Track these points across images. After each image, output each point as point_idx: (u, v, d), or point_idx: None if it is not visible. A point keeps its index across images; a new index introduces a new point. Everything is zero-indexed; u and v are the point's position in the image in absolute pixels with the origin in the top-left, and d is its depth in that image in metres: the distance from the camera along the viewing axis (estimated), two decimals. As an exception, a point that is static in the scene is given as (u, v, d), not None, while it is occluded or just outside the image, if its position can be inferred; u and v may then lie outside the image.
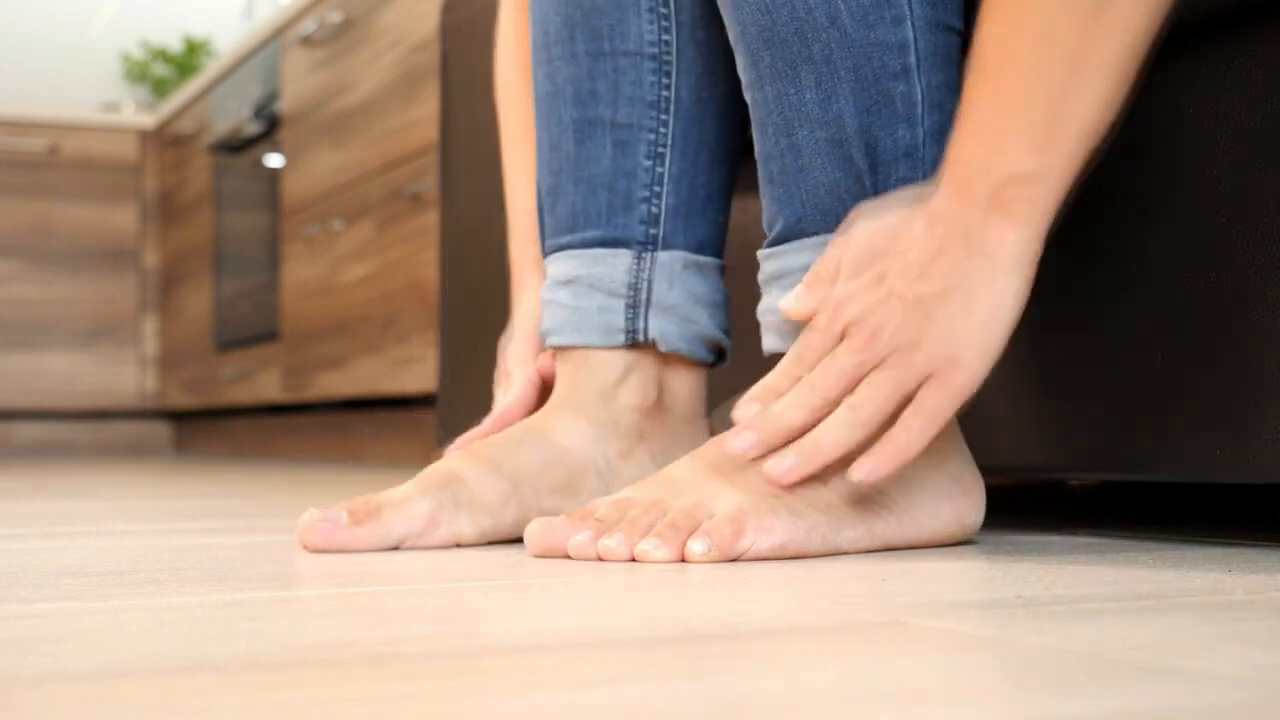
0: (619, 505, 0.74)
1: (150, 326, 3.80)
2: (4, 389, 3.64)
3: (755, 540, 0.71)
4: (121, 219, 3.78)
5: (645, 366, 0.87)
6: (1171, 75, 0.79)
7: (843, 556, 0.73)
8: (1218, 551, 0.75)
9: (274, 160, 3.06)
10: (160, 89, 4.29)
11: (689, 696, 0.36)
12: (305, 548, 0.77)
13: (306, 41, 2.82)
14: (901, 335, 0.70)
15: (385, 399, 2.56)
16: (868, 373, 0.71)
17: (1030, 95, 0.68)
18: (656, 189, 0.87)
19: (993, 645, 0.44)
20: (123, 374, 3.76)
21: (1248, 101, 0.75)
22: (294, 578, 0.66)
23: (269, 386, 3.05)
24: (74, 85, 4.27)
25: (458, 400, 1.57)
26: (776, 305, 0.78)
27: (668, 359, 0.88)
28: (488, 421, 0.91)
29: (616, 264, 0.87)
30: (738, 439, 0.73)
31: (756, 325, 0.83)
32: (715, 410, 0.92)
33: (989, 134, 0.69)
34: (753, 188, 0.97)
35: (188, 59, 4.31)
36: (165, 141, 3.80)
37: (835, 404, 0.72)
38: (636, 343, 0.87)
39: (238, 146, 3.30)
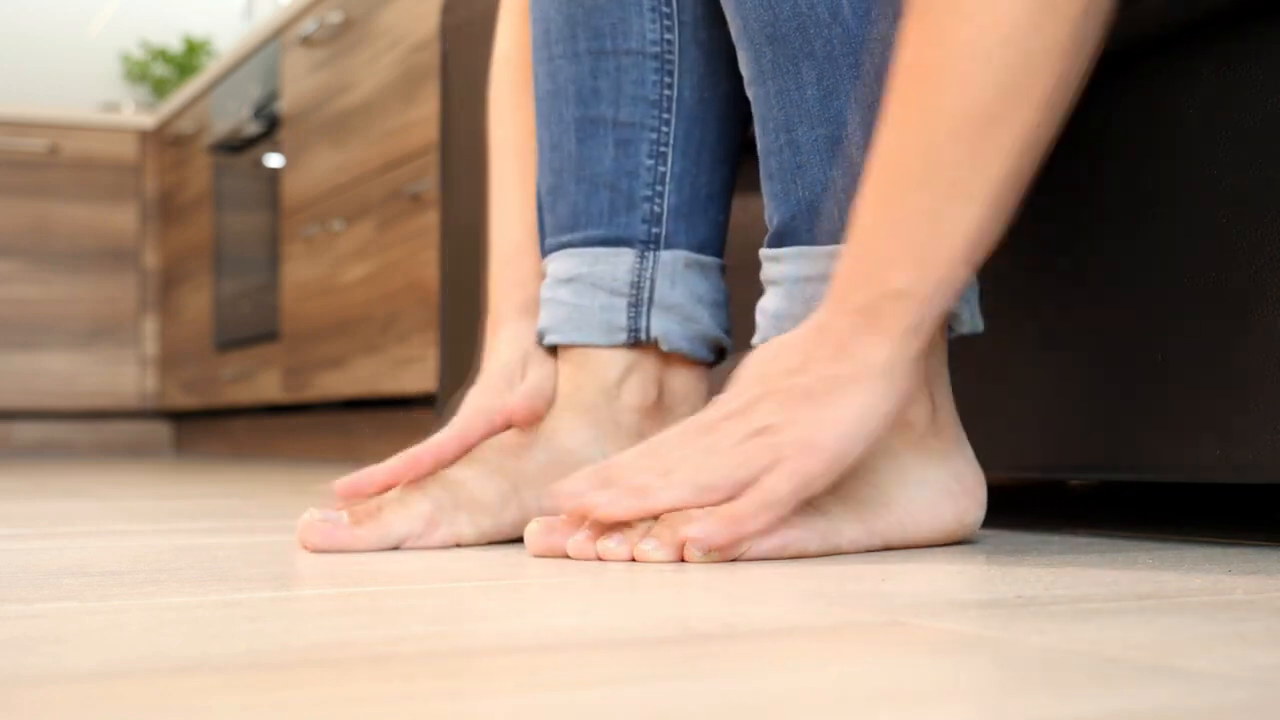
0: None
1: (150, 326, 3.80)
2: (4, 389, 3.64)
3: (755, 541, 0.70)
4: (121, 219, 3.78)
5: (646, 366, 0.87)
6: (1171, 75, 0.79)
7: (843, 556, 0.73)
8: (1218, 551, 0.75)
9: (274, 160, 3.06)
10: (160, 89, 4.29)
11: (689, 696, 0.36)
12: (305, 548, 0.77)
13: (306, 41, 2.82)
14: (767, 420, 0.70)
15: (385, 399, 2.56)
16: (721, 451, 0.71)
17: (911, 217, 0.69)
18: (659, 188, 0.87)
19: (993, 645, 0.44)
20: (123, 374, 3.76)
21: (1248, 101, 0.75)
22: (294, 578, 0.66)
23: (269, 386, 3.05)
24: (74, 85, 4.27)
25: (458, 400, 1.57)
26: (765, 307, 0.79)
27: (668, 359, 0.88)
28: (395, 460, 0.83)
29: (619, 263, 0.87)
30: (569, 482, 0.71)
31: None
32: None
33: (869, 250, 0.70)
34: (753, 187, 0.97)
35: (188, 59, 4.31)
36: (165, 141, 3.80)
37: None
38: (638, 342, 0.87)
39: (238, 146, 3.30)
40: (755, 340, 0.80)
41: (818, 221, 0.76)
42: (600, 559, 0.71)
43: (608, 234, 0.87)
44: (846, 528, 0.73)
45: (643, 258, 0.87)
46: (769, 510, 0.69)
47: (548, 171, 0.89)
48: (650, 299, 0.87)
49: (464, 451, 0.83)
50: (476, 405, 0.85)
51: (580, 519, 0.74)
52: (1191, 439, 0.77)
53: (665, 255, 0.87)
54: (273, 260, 3.05)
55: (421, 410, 2.44)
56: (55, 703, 0.36)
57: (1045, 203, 0.86)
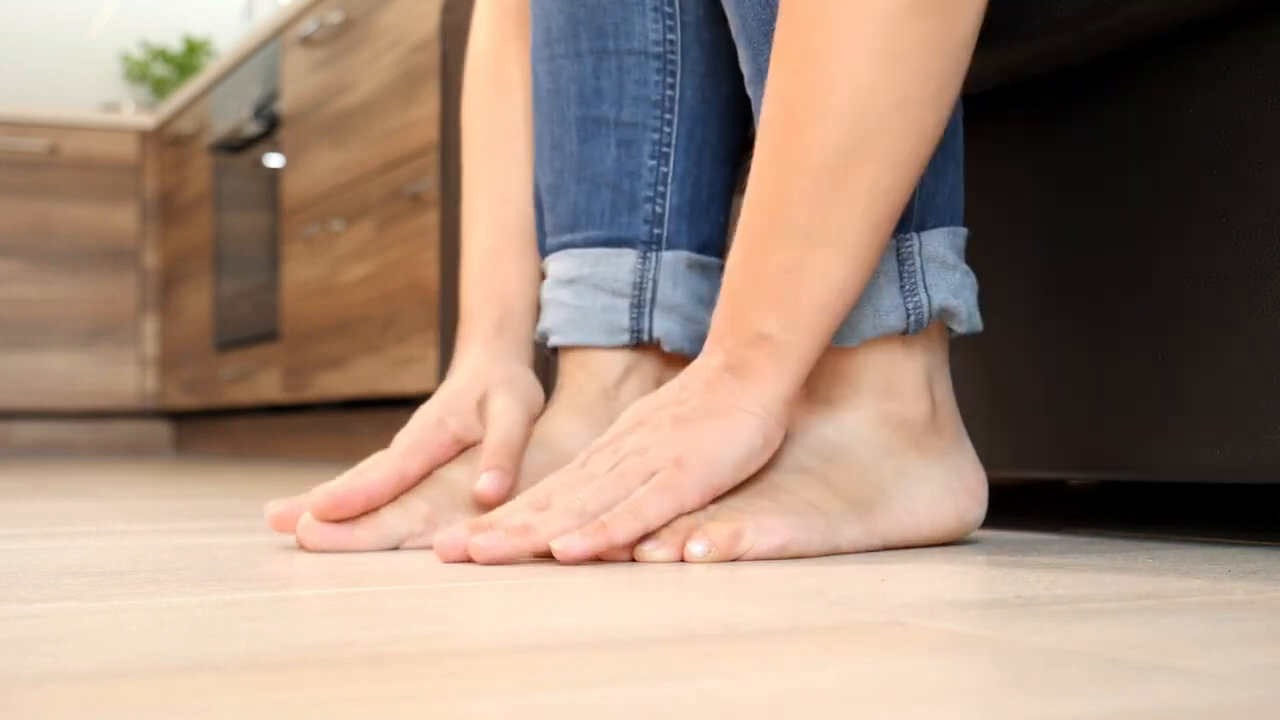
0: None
1: (150, 326, 3.80)
2: (4, 389, 3.64)
3: (755, 541, 0.71)
4: (121, 219, 3.78)
5: (646, 367, 0.87)
6: (1171, 75, 0.79)
7: (843, 556, 0.73)
8: (1218, 551, 0.75)
9: (274, 160, 3.06)
10: (160, 89, 4.29)
11: (689, 696, 0.36)
12: (305, 548, 0.77)
13: (306, 41, 2.82)
14: (636, 443, 0.71)
15: (385, 399, 2.56)
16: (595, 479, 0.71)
17: (773, 264, 0.70)
18: (661, 189, 0.87)
19: (993, 645, 0.44)
20: (123, 374, 3.76)
21: (1248, 101, 0.75)
22: (294, 578, 0.66)
23: (269, 386, 3.05)
24: (74, 85, 4.27)
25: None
26: None
27: (669, 359, 0.88)
28: (323, 496, 0.77)
29: (621, 263, 0.87)
30: (449, 530, 0.71)
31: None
32: None
33: (738, 295, 0.72)
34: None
35: (188, 59, 4.31)
36: (165, 141, 3.80)
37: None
38: (640, 342, 0.87)
39: (238, 146, 3.30)
40: None
41: None
42: (600, 558, 0.71)
43: (609, 234, 0.87)
44: (847, 528, 0.73)
45: (644, 258, 0.87)
46: (636, 517, 0.68)
47: (548, 171, 0.89)
48: (652, 300, 0.87)
49: (401, 491, 0.79)
50: (417, 440, 0.81)
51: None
52: (1191, 439, 0.77)
53: (667, 256, 0.87)
54: (273, 260, 3.05)
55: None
56: (55, 703, 0.36)
57: (1045, 203, 0.86)
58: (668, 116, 0.87)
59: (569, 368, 0.88)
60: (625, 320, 0.87)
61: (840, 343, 0.75)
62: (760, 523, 0.71)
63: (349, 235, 2.64)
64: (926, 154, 0.70)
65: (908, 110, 0.68)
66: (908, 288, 0.74)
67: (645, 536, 0.70)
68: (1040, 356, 0.86)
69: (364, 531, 0.77)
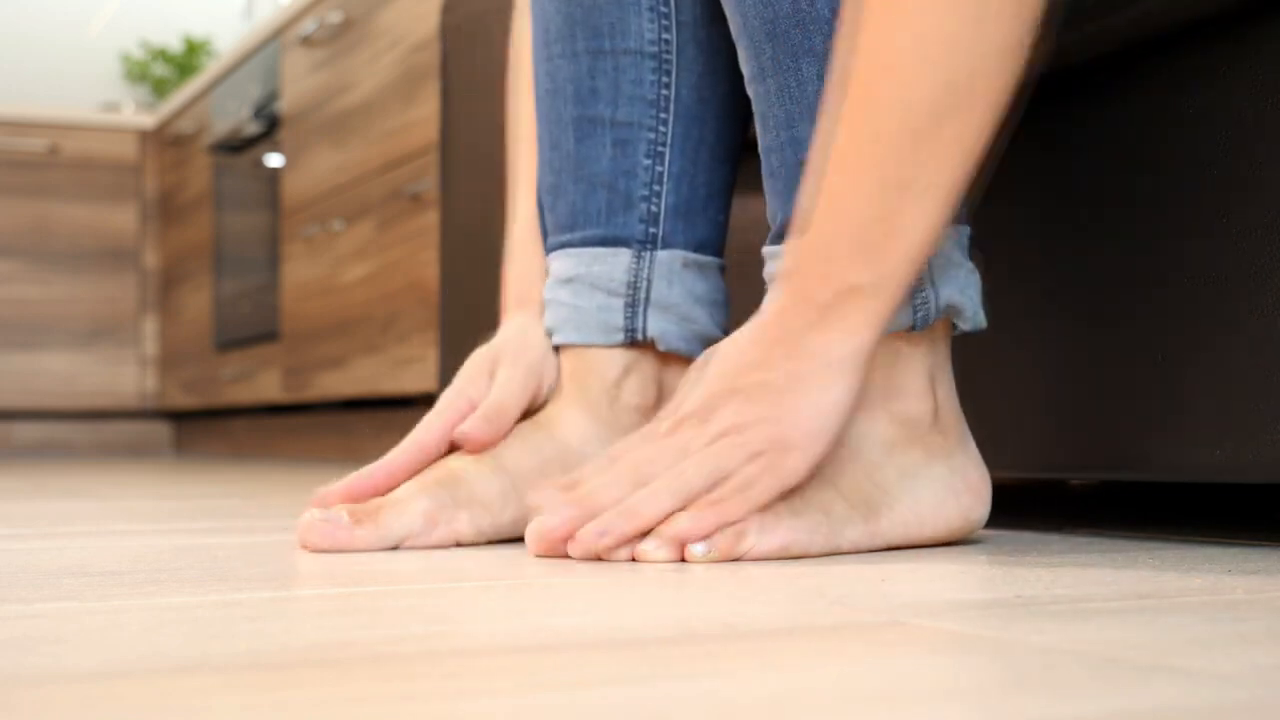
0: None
1: (150, 326, 3.81)
2: (4, 389, 3.64)
3: (757, 541, 0.71)
4: (121, 219, 3.78)
5: (645, 366, 0.87)
6: (1172, 75, 0.79)
7: (843, 556, 0.73)
8: (1218, 551, 0.75)
9: (274, 160, 3.06)
10: (160, 89, 4.29)
11: (689, 696, 0.36)
12: (305, 548, 0.77)
13: (306, 41, 2.82)
14: (733, 420, 0.71)
15: (385, 399, 2.56)
16: (692, 453, 0.72)
17: (864, 215, 0.70)
18: (656, 188, 0.87)
19: (993, 645, 0.44)
20: (123, 374, 3.76)
21: (1248, 101, 0.75)
22: (294, 578, 0.66)
23: (269, 386, 3.05)
24: (74, 85, 4.27)
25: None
26: None
27: (668, 359, 0.88)
28: (404, 455, 0.83)
29: (616, 263, 0.87)
30: (553, 515, 0.72)
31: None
32: None
33: (825, 248, 0.71)
34: (753, 187, 0.97)
35: (188, 59, 4.31)
36: (165, 141, 3.80)
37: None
38: (635, 341, 0.87)
39: (238, 146, 3.30)
40: None
41: None
42: (600, 559, 0.71)
43: (605, 234, 0.87)
44: (849, 528, 0.73)
45: (639, 257, 0.87)
46: (748, 499, 0.70)
47: (548, 171, 0.89)
48: (647, 299, 0.87)
49: (422, 467, 0.83)
50: (438, 410, 0.85)
51: (584, 519, 0.74)
52: (1191, 439, 0.77)
53: (662, 255, 0.87)
54: (273, 260, 3.05)
55: (421, 410, 2.44)
56: (55, 703, 0.36)
57: (1045, 202, 0.86)
58: (663, 116, 0.87)
59: (570, 366, 0.88)
60: (620, 319, 0.87)
61: None
62: (762, 523, 0.71)
63: (349, 235, 2.64)
64: (1007, 102, 0.70)
65: (996, 59, 0.69)
66: (914, 284, 0.74)
67: (645, 535, 0.70)
68: (1040, 356, 0.86)
69: (364, 531, 0.77)
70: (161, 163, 3.82)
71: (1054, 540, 0.82)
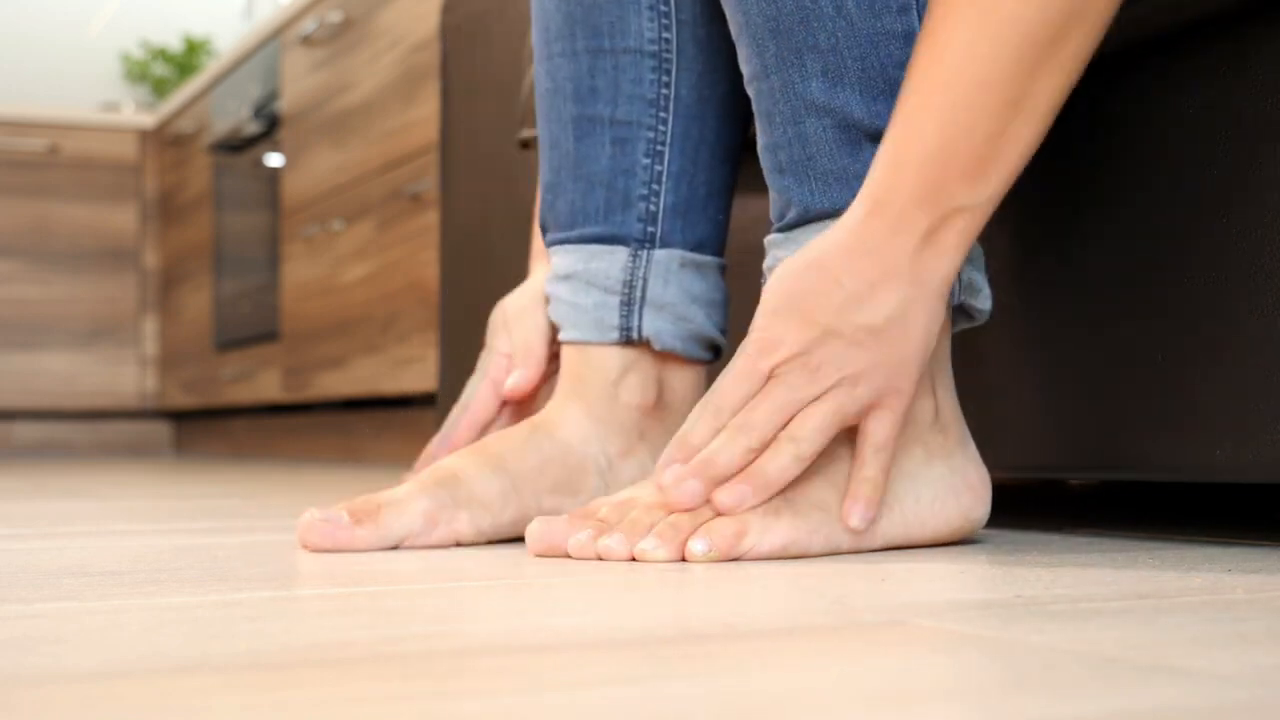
0: (621, 505, 0.74)
1: (150, 326, 3.81)
2: (4, 389, 3.64)
3: (757, 541, 0.71)
4: (121, 219, 3.78)
5: (644, 365, 0.87)
6: (1172, 75, 0.79)
7: (843, 556, 0.73)
8: (1218, 551, 0.75)
9: (274, 160, 3.06)
10: (160, 89, 4.29)
11: (689, 696, 0.36)
12: (305, 548, 0.77)
13: (306, 41, 2.82)
14: (844, 369, 0.71)
15: (385, 399, 2.56)
16: (804, 408, 0.72)
17: (979, 136, 0.70)
18: (655, 187, 0.87)
19: (993, 645, 0.44)
20: (123, 374, 3.76)
21: (1248, 101, 0.75)
22: (294, 578, 0.66)
23: (269, 386, 3.05)
24: (74, 85, 4.27)
25: (458, 400, 1.57)
26: None
27: (666, 358, 0.88)
28: (460, 423, 0.92)
29: (612, 261, 0.87)
30: (681, 490, 0.72)
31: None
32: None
33: (932, 168, 0.71)
34: (751, 187, 0.97)
35: (188, 59, 4.31)
36: (165, 141, 3.80)
37: (769, 442, 0.72)
38: (631, 340, 0.87)
39: (238, 146, 3.30)
40: None
41: (836, 206, 0.76)
42: (600, 558, 0.71)
43: (603, 232, 0.87)
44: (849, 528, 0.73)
45: (636, 256, 0.87)
46: (881, 456, 0.72)
47: (547, 169, 0.89)
48: (642, 298, 0.87)
49: (479, 431, 0.93)
50: (478, 372, 0.94)
51: (582, 518, 0.74)
52: (1191, 439, 0.77)
53: (659, 254, 0.87)
54: (273, 260, 3.05)
55: (421, 410, 2.44)
56: (55, 703, 0.36)
57: (1045, 203, 0.86)
58: (662, 115, 0.87)
59: (570, 363, 0.88)
60: (615, 318, 0.87)
61: None
62: (762, 523, 0.71)
63: (349, 235, 2.64)
64: (1111, 18, 0.70)
65: None
66: None
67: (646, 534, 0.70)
68: (1040, 356, 0.86)
69: (364, 531, 0.77)
70: (161, 163, 3.82)
71: (1054, 540, 0.82)
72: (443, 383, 1.60)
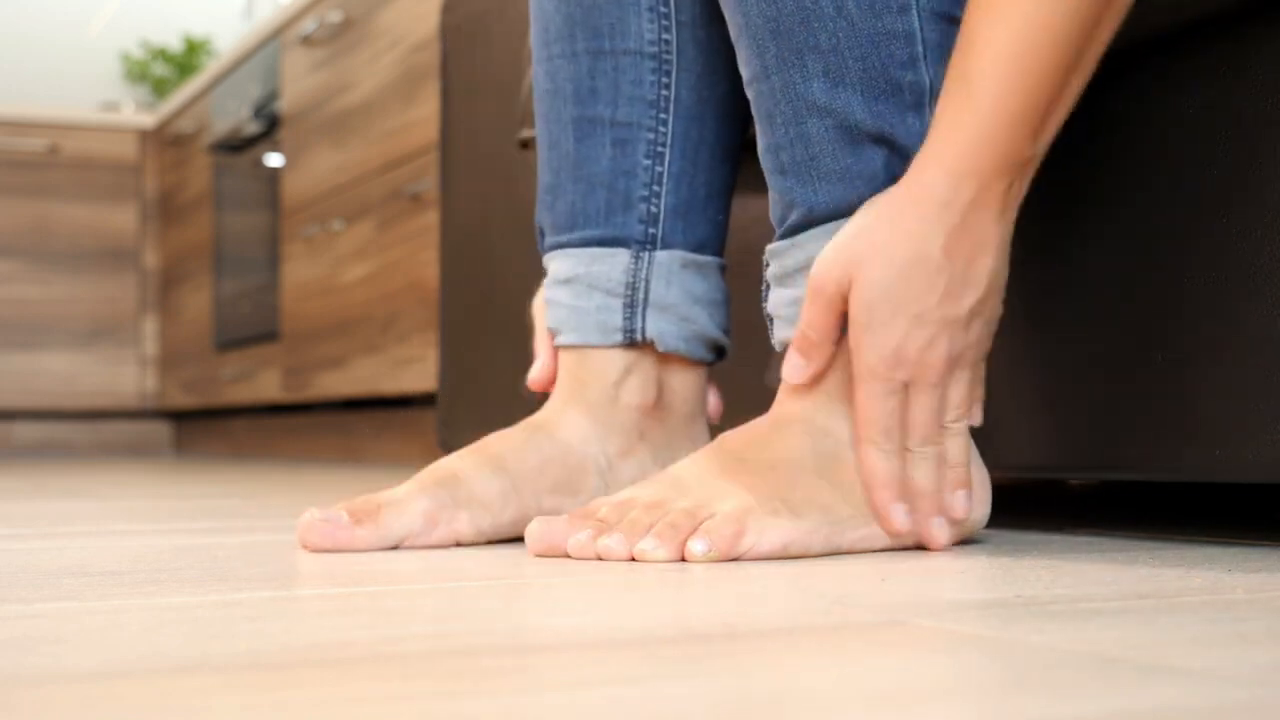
0: (621, 506, 0.74)
1: (150, 326, 3.80)
2: (4, 389, 3.64)
3: (756, 541, 0.71)
4: (121, 219, 3.78)
5: (645, 366, 0.87)
6: (1172, 75, 0.79)
7: (843, 556, 0.73)
8: (1218, 551, 0.75)
9: (274, 160, 3.06)
10: (160, 89, 4.29)
11: (689, 696, 0.36)
12: (305, 548, 0.77)
13: (306, 41, 2.82)
14: (955, 351, 0.73)
15: (385, 399, 2.56)
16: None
17: (1045, 93, 0.70)
18: (655, 188, 0.87)
19: (993, 645, 0.44)
20: (123, 374, 3.76)
21: (1248, 101, 0.75)
22: (294, 578, 0.66)
23: (269, 386, 3.05)
24: (74, 85, 4.27)
25: (458, 400, 1.57)
26: (797, 297, 0.78)
27: (667, 358, 0.88)
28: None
29: (614, 263, 0.87)
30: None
31: (756, 323, 0.83)
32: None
33: (1010, 131, 0.71)
34: (751, 187, 0.97)
35: (188, 59, 4.31)
36: (165, 141, 3.80)
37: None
38: (634, 342, 0.87)
39: (238, 146, 3.30)
40: (778, 337, 0.79)
41: (839, 208, 0.76)
42: (600, 558, 0.71)
43: (604, 234, 0.87)
44: (849, 528, 0.73)
45: (638, 258, 0.87)
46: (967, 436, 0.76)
47: (546, 171, 0.89)
48: (645, 299, 0.87)
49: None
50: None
51: (582, 518, 0.74)
52: (1191, 439, 0.77)
53: (661, 255, 0.87)
54: (273, 260, 3.05)
55: (421, 410, 2.44)
56: (55, 703, 0.36)
57: (1045, 202, 0.86)
58: (663, 116, 0.87)
59: (570, 365, 0.88)
60: (618, 320, 0.87)
61: None
62: (762, 523, 0.71)
63: (349, 235, 2.64)
64: None
65: None
66: None
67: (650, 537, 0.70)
68: (1040, 356, 0.86)
69: (364, 531, 0.77)
70: (161, 163, 3.82)
71: (1054, 540, 0.82)
72: (443, 383, 1.60)
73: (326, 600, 0.57)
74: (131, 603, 0.56)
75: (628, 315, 0.87)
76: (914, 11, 0.74)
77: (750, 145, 0.85)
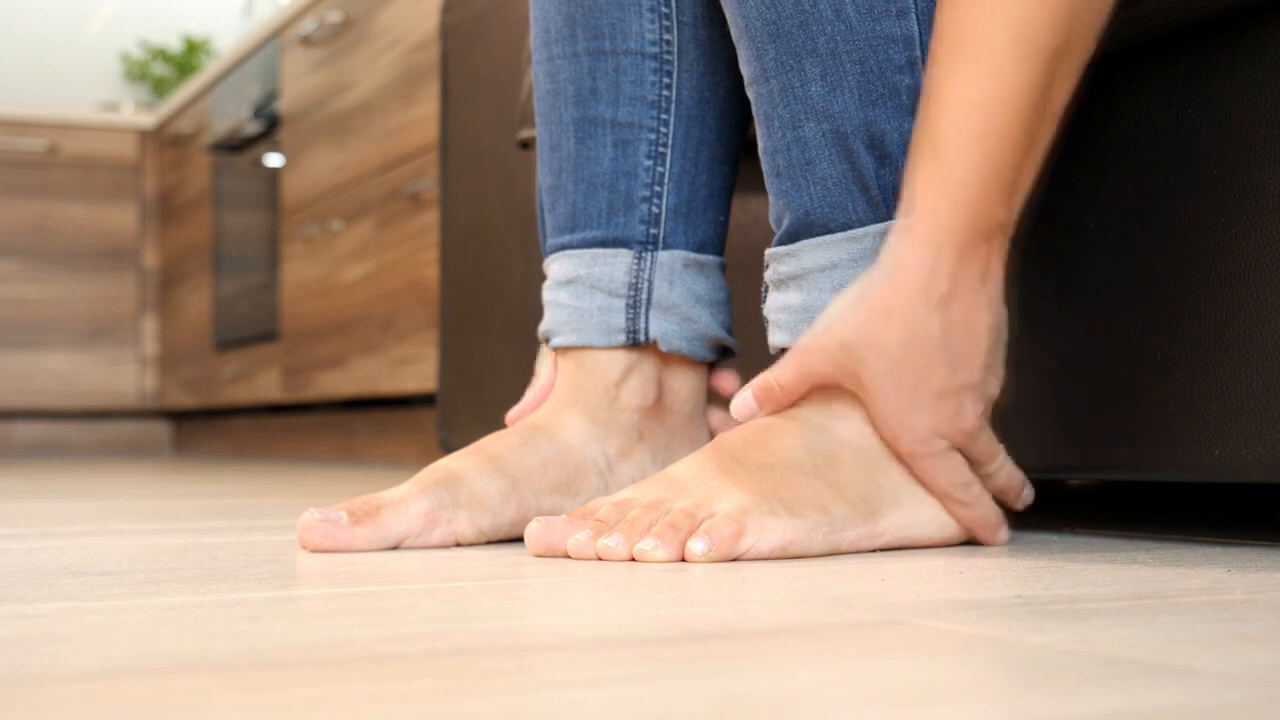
0: (620, 506, 0.74)
1: (150, 326, 3.80)
2: (4, 389, 3.64)
3: (756, 541, 0.71)
4: (121, 219, 3.78)
5: (645, 366, 0.87)
6: (1171, 75, 0.79)
7: (843, 556, 0.73)
8: (1218, 551, 0.75)
9: (273, 160, 3.06)
10: (160, 89, 4.29)
11: (689, 696, 0.36)
12: (305, 548, 0.77)
13: (306, 41, 2.82)
14: (980, 405, 0.75)
15: (385, 399, 2.56)
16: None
17: (1012, 155, 0.71)
18: (657, 189, 0.87)
19: (993, 645, 0.44)
20: (122, 374, 3.76)
21: (1251, 100, 0.75)
22: (294, 578, 0.66)
23: (268, 386, 3.05)
24: (73, 85, 4.27)
25: (458, 400, 1.57)
26: (789, 303, 0.78)
27: (668, 358, 0.88)
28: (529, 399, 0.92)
29: (616, 264, 0.87)
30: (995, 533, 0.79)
31: (756, 323, 0.83)
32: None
33: (983, 196, 0.71)
34: (751, 187, 0.97)
35: (187, 59, 4.31)
36: (165, 141, 3.80)
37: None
38: (637, 342, 0.87)
39: (237, 146, 3.30)
40: (773, 341, 0.80)
41: (833, 213, 0.76)
42: (600, 559, 0.71)
43: (606, 235, 0.87)
44: (849, 528, 0.73)
45: (640, 258, 0.87)
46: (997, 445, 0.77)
47: (548, 172, 0.89)
48: (648, 300, 0.87)
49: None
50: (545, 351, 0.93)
51: (581, 518, 0.74)
52: (1191, 439, 0.77)
53: (663, 255, 0.87)
54: (272, 260, 3.05)
55: (421, 410, 2.44)
56: (55, 702, 0.36)
57: (1044, 203, 0.86)
58: (664, 117, 0.87)
59: (569, 367, 0.88)
60: (621, 321, 0.87)
61: None
62: (761, 523, 0.71)
63: (348, 235, 2.64)
64: (1106, 21, 0.72)
65: None
66: None
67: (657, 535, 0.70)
68: (1040, 357, 0.86)
69: (364, 531, 0.77)
70: (161, 162, 3.82)
71: (1054, 540, 0.82)
72: (442, 383, 1.60)
73: (326, 600, 0.57)
74: (131, 602, 0.56)
75: (630, 316, 0.87)
76: (912, 15, 0.74)
77: (751, 145, 0.85)
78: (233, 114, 3.29)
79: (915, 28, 0.74)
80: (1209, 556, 0.72)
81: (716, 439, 0.77)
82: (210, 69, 3.49)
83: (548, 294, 0.89)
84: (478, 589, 0.61)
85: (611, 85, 0.87)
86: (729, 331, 0.89)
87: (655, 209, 0.87)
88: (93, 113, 3.83)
